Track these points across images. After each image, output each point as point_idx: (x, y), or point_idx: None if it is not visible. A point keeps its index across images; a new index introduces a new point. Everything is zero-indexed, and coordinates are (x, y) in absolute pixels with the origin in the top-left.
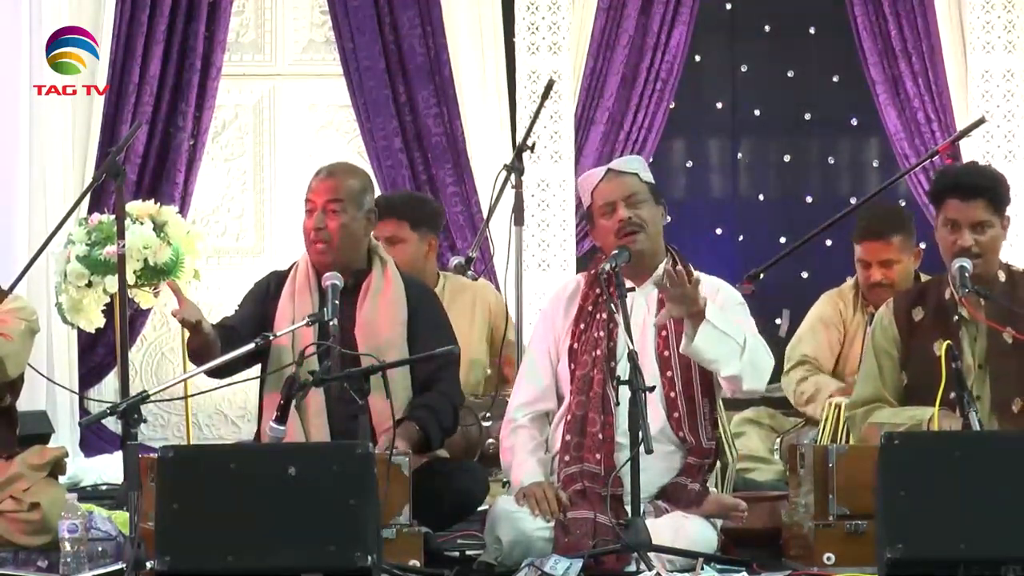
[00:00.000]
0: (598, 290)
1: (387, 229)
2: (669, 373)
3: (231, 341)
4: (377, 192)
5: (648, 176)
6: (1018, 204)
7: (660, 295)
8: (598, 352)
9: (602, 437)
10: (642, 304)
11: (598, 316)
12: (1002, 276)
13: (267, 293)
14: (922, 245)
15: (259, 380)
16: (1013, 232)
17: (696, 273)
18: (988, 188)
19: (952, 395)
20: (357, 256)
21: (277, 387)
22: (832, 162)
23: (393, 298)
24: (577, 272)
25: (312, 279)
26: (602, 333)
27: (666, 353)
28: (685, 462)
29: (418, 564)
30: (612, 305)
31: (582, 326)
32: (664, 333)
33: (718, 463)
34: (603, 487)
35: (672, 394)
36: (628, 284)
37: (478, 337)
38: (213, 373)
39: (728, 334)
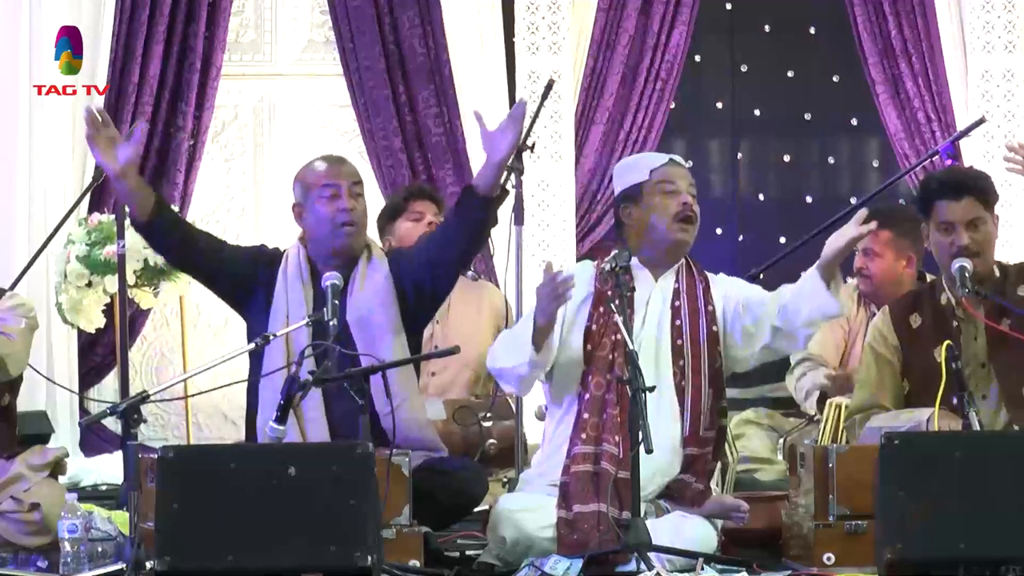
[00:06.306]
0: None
1: (429, 209)
2: (681, 362)
3: (207, 250)
4: (375, 191)
5: None
6: (1019, 204)
7: (676, 285)
8: (617, 337)
9: (620, 420)
10: (658, 295)
11: (615, 303)
12: (996, 272)
13: (256, 270)
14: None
15: (258, 379)
16: (1013, 232)
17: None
18: (975, 184)
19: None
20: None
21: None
22: (832, 162)
23: (380, 279)
24: None
25: (306, 272)
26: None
27: (679, 342)
28: (686, 453)
29: (418, 564)
30: (612, 305)
31: (601, 309)
32: (678, 323)
33: (718, 463)
34: (620, 468)
35: (683, 383)
36: (647, 275)
37: (483, 338)
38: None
39: None
